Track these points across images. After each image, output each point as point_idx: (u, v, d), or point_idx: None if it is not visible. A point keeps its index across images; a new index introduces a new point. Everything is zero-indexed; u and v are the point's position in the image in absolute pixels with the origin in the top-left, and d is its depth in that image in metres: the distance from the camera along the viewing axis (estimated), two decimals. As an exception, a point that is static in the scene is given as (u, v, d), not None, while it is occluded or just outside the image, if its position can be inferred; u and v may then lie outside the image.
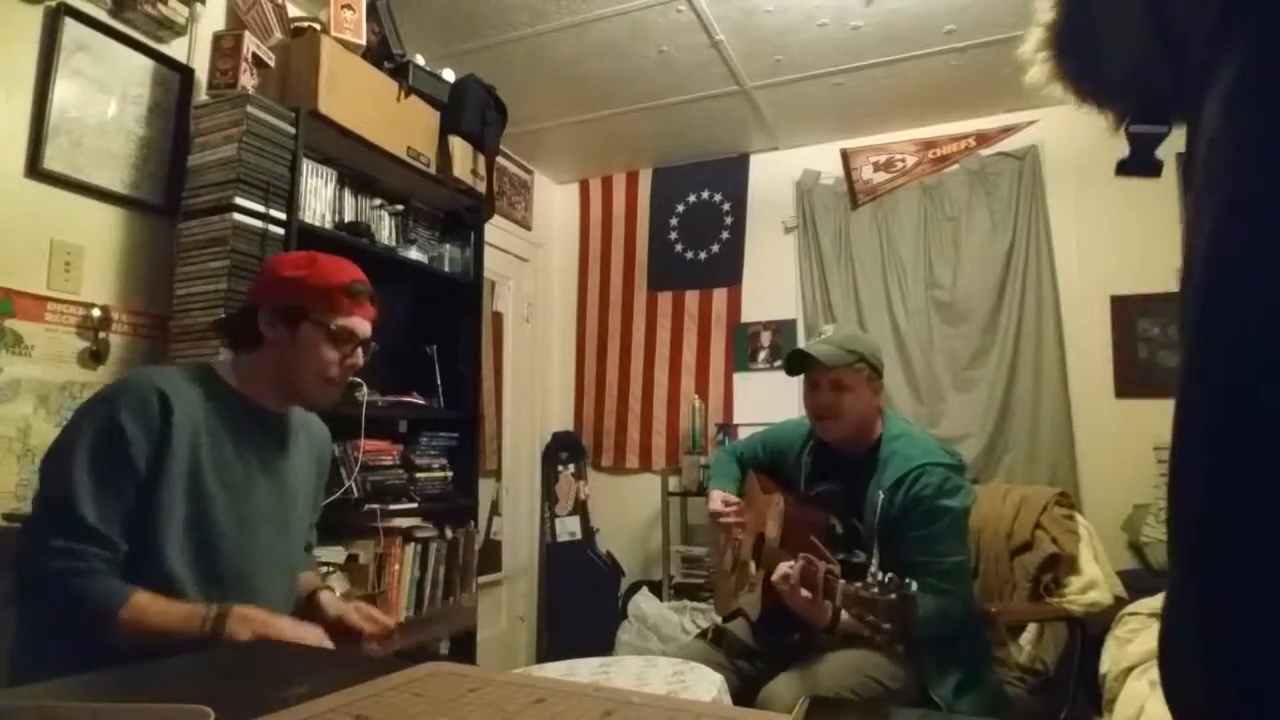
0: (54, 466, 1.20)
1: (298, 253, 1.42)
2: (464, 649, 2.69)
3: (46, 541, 1.14)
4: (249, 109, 2.00)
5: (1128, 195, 3.26)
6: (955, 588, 1.72)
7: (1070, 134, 3.33)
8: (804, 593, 1.57)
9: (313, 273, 1.36)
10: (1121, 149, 0.57)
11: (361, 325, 1.40)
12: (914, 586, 1.40)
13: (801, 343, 3.66)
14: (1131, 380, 3.19)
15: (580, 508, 4.00)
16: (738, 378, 3.88)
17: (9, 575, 1.17)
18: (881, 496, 1.76)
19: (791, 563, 1.62)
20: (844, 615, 1.61)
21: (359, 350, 1.41)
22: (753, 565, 1.95)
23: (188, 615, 1.16)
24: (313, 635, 1.20)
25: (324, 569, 2.00)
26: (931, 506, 1.73)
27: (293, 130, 2.11)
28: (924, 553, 1.71)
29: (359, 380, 2.24)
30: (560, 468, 4.05)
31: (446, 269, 2.78)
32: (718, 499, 2.05)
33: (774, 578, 1.65)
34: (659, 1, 2.69)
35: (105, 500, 1.16)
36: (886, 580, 1.42)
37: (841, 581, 1.50)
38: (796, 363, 1.91)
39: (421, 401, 2.65)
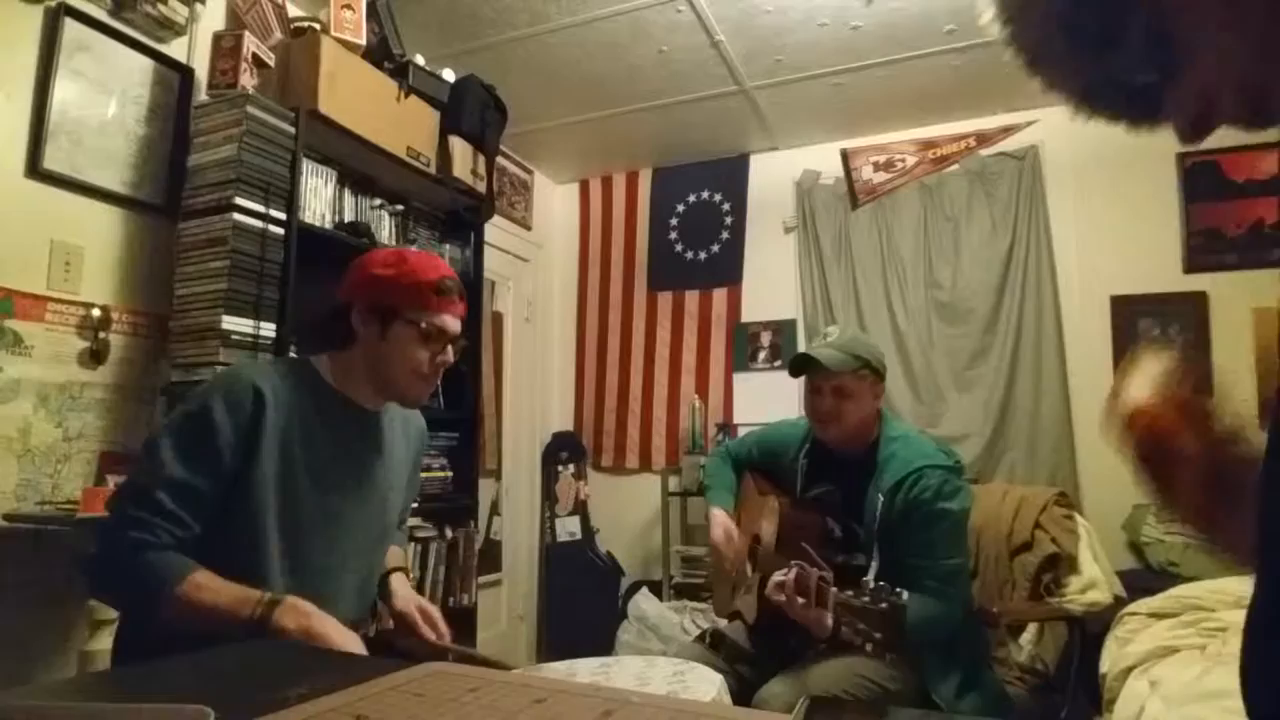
0: (146, 446, 1.26)
1: (388, 250, 1.43)
2: (467, 647, 2.69)
3: (123, 511, 1.19)
4: (249, 109, 2.01)
5: (1128, 195, 3.26)
6: (954, 591, 1.72)
7: (1070, 134, 3.33)
8: (800, 600, 1.55)
9: (403, 270, 1.36)
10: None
11: (452, 323, 1.40)
12: (904, 596, 1.39)
13: (801, 343, 3.67)
14: (1131, 380, 3.19)
15: (580, 508, 4.00)
16: (738, 378, 3.88)
17: (91, 543, 1.21)
18: (881, 499, 1.75)
19: (785, 570, 1.61)
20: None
21: (449, 348, 1.41)
22: (749, 567, 1.95)
23: (240, 599, 1.17)
24: (353, 644, 1.20)
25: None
26: (932, 509, 1.71)
27: (292, 130, 2.11)
28: (923, 556, 1.70)
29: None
30: (560, 468, 4.05)
31: (446, 269, 2.78)
32: (720, 529, 1.99)
33: (768, 588, 1.63)
34: (659, 1, 2.69)
35: (187, 486, 1.20)
36: (877, 589, 1.41)
37: (833, 589, 1.49)
38: (800, 365, 1.90)
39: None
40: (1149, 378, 0.62)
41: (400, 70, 2.48)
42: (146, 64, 2.15)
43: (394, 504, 1.50)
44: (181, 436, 1.23)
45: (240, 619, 1.15)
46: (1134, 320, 3.21)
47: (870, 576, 1.72)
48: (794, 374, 1.93)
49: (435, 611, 1.48)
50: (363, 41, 2.36)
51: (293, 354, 2.02)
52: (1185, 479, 0.57)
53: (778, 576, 1.62)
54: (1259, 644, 0.37)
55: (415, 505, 2.50)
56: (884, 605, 1.37)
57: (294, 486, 1.29)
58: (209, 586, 1.17)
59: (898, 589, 1.41)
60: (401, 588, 1.51)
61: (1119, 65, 0.51)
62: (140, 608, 1.17)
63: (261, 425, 1.26)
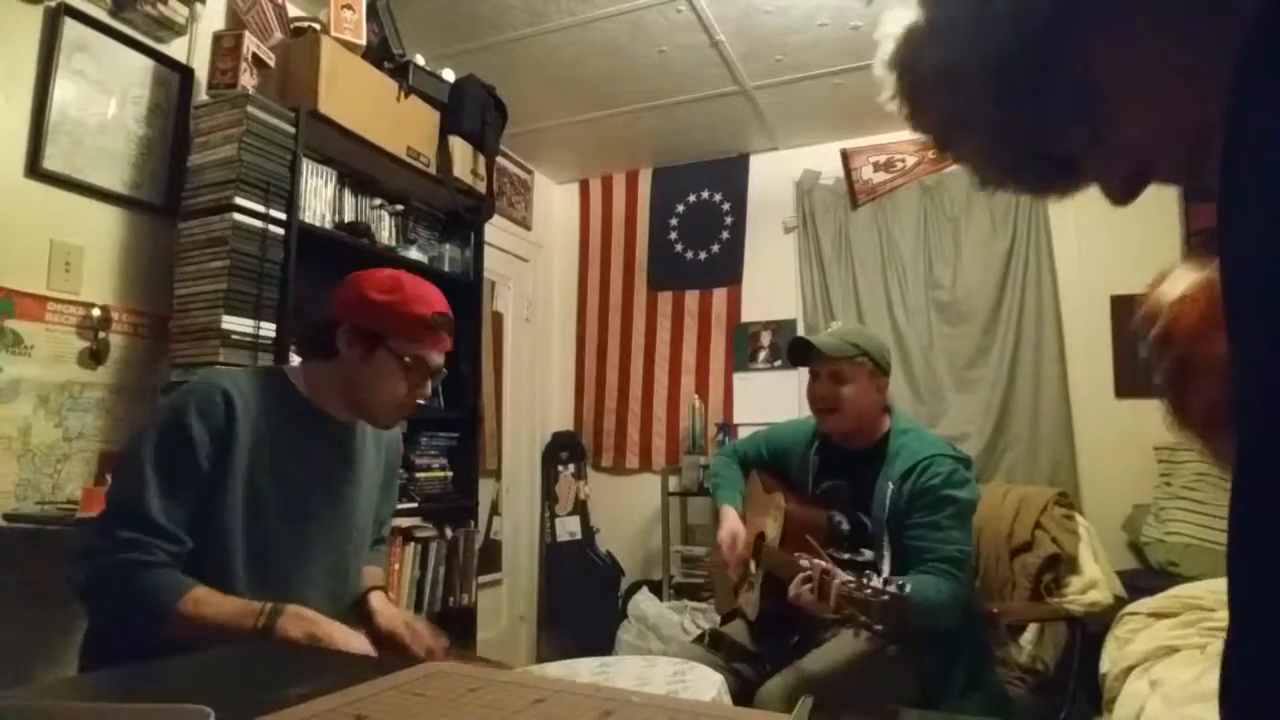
0: (125, 464, 1.25)
1: (385, 273, 1.40)
2: (464, 649, 2.69)
3: (115, 533, 1.18)
4: (249, 109, 2.01)
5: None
6: (959, 574, 1.73)
7: (1070, 134, 3.33)
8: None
9: (398, 299, 1.35)
10: None
11: (436, 358, 1.41)
12: (907, 587, 1.40)
13: (801, 343, 3.67)
14: (1132, 380, 3.19)
15: (580, 507, 3.99)
16: (738, 377, 3.88)
17: (76, 568, 1.20)
18: (891, 487, 1.77)
19: (802, 569, 1.61)
20: None
21: (429, 381, 1.42)
22: (752, 564, 1.95)
23: (242, 611, 1.18)
24: (359, 643, 1.21)
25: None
26: (939, 495, 1.74)
27: (292, 130, 2.11)
28: (929, 539, 1.72)
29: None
30: (560, 467, 4.05)
31: (446, 269, 2.78)
32: (727, 530, 1.99)
33: (790, 594, 1.63)
34: (659, 1, 2.68)
35: (171, 497, 1.20)
36: (881, 582, 1.42)
37: (837, 581, 1.50)
38: (798, 351, 1.92)
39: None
40: (1185, 279, 0.54)
41: (400, 70, 2.48)
42: (146, 64, 2.15)
43: (363, 515, 1.48)
44: (161, 451, 1.22)
45: (244, 631, 1.15)
46: (1134, 320, 3.20)
47: (885, 569, 1.73)
48: (792, 360, 1.96)
49: (421, 625, 1.46)
50: (363, 41, 2.36)
51: (293, 356, 2.02)
52: (1206, 379, 0.50)
53: (796, 584, 1.60)
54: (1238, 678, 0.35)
55: (413, 506, 2.51)
56: (886, 597, 1.39)
57: (260, 493, 1.29)
58: (209, 601, 1.17)
59: (901, 581, 1.42)
60: (384, 607, 1.48)
61: (1044, 124, 0.49)
62: (143, 627, 1.17)
63: (234, 431, 1.26)
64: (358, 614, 1.45)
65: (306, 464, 1.36)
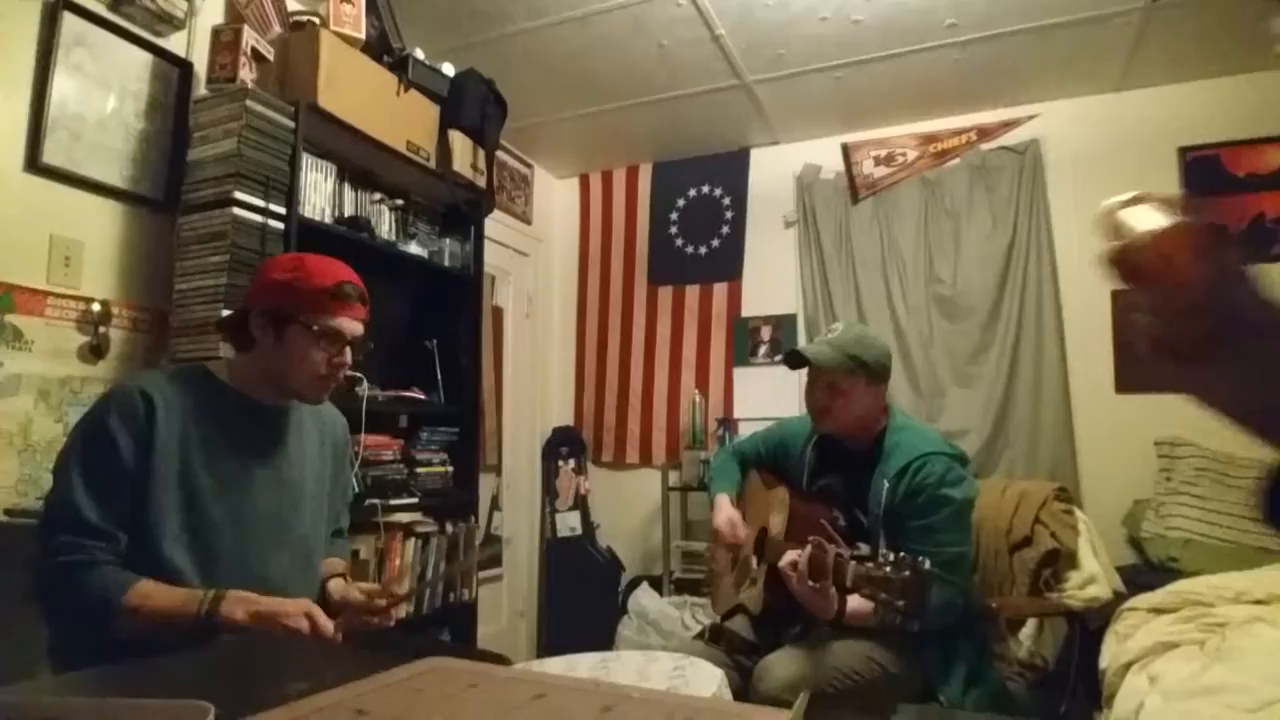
0: (57, 473, 1.27)
1: (288, 255, 1.45)
2: (464, 644, 2.70)
3: (53, 539, 1.21)
4: (248, 103, 2.00)
5: (1128, 189, 3.24)
6: (956, 578, 1.72)
7: (1071, 128, 3.33)
8: (811, 582, 1.57)
9: (299, 276, 1.38)
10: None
11: (349, 326, 1.41)
12: (927, 563, 1.42)
13: (801, 338, 3.68)
14: (1132, 376, 3.18)
15: (580, 503, 4.00)
16: (738, 372, 3.88)
17: (28, 575, 1.22)
18: (886, 485, 1.76)
19: (799, 550, 1.62)
20: (850, 606, 1.62)
21: (347, 350, 1.42)
22: (754, 560, 1.95)
23: (186, 598, 1.21)
24: (297, 606, 1.22)
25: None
26: (934, 495, 1.73)
27: (292, 124, 2.10)
28: (926, 542, 1.70)
29: (359, 375, 2.24)
30: (560, 463, 4.05)
31: (446, 263, 2.77)
32: (724, 515, 2.03)
33: (781, 564, 1.64)
34: (659, -5, 2.67)
35: (102, 498, 1.23)
36: (898, 559, 1.43)
37: (853, 564, 1.50)
38: (789, 360, 1.94)
39: (422, 396, 2.65)
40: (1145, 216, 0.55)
41: (400, 64, 2.47)
42: (145, 58, 2.14)
43: (312, 498, 1.49)
44: (85, 456, 1.25)
45: (189, 617, 1.18)
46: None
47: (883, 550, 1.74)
48: (790, 366, 1.97)
49: (371, 586, 1.52)
50: (362, 35, 2.35)
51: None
52: (1186, 308, 0.52)
53: (790, 555, 1.63)
54: None
55: (414, 501, 2.50)
56: (907, 572, 1.40)
57: (196, 486, 1.30)
58: (154, 594, 1.20)
59: (919, 556, 1.43)
60: (338, 586, 1.52)
61: None
62: (94, 626, 1.20)
63: (155, 429, 1.27)
64: (320, 601, 1.46)
65: (241, 453, 1.38)
